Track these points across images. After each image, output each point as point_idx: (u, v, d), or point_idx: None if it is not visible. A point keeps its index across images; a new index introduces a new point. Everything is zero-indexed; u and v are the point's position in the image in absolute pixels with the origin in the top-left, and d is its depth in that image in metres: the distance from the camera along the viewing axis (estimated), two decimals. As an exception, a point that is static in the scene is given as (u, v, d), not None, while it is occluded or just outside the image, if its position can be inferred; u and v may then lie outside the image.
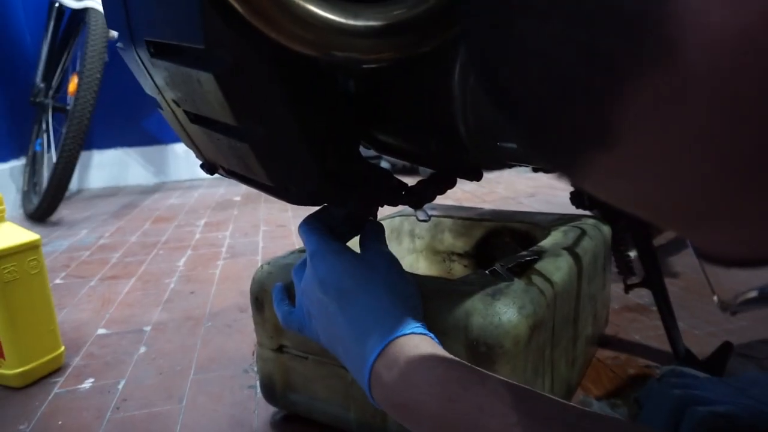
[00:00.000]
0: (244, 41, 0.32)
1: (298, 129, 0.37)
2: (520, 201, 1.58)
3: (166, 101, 0.43)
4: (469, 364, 0.33)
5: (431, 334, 0.36)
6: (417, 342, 0.35)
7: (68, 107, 1.70)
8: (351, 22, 0.30)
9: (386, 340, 0.35)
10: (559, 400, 0.29)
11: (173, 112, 0.43)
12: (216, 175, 0.48)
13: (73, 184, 1.83)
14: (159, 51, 0.37)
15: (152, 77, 0.40)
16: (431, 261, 0.78)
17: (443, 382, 0.31)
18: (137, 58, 0.40)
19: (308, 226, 0.44)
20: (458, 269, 0.76)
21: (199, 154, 0.47)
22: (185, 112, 0.41)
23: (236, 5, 0.29)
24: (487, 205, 1.51)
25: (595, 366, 0.65)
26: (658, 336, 0.70)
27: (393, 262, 0.42)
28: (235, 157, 0.41)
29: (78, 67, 1.70)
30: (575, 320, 0.55)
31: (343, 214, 0.45)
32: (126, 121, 2.33)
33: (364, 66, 0.40)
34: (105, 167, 2.34)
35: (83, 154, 2.01)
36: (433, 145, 0.42)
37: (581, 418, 0.27)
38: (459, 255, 0.76)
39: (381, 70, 0.41)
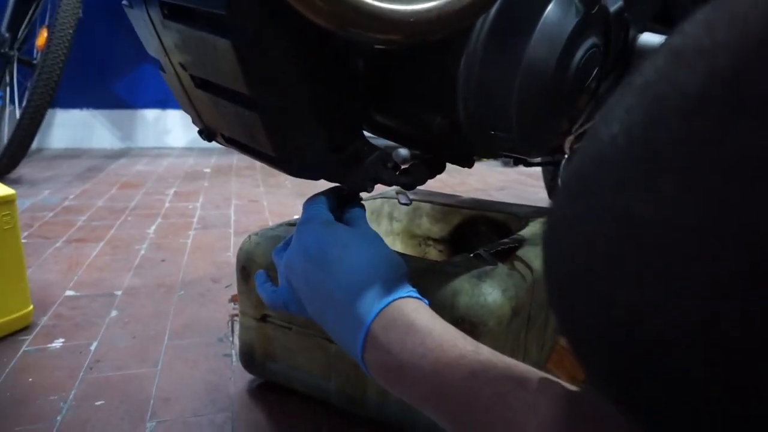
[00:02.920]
0: (267, 11, 0.33)
1: (310, 102, 0.37)
2: (490, 193, 1.61)
3: (171, 64, 0.42)
4: (463, 333, 0.34)
5: (426, 300, 0.37)
6: (415, 306, 0.35)
7: (35, 61, 1.63)
8: (371, 2, 0.31)
9: (385, 301, 0.35)
10: (546, 375, 0.31)
11: (177, 75, 0.43)
12: (213, 142, 0.49)
13: (33, 142, 1.76)
14: (173, 13, 0.37)
15: (161, 39, 0.40)
16: (407, 244, 0.80)
17: (440, 346, 0.32)
18: (147, 17, 0.40)
19: (312, 198, 0.45)
20: (433, 254, 0.78)
21: (199, 120, 0.47)
22: (191, 76, 0.41)
23: (264, -25, 0.30)
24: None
25: (558, 351, 0.68)
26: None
27: (380, 237, 0.43)
28: (239, 126, 0.41)
29: (48, 20, 1.62)
30: (548, 307, 0.57)
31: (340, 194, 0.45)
32: (95, 81, 2.24)
33: (376, 46, 0.41)
34: (68, 127, 2.26)
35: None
36: (434, 128, 0.44)
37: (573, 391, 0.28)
38: (435, 240, 0.78)
39: (391, 51, 0.42)
